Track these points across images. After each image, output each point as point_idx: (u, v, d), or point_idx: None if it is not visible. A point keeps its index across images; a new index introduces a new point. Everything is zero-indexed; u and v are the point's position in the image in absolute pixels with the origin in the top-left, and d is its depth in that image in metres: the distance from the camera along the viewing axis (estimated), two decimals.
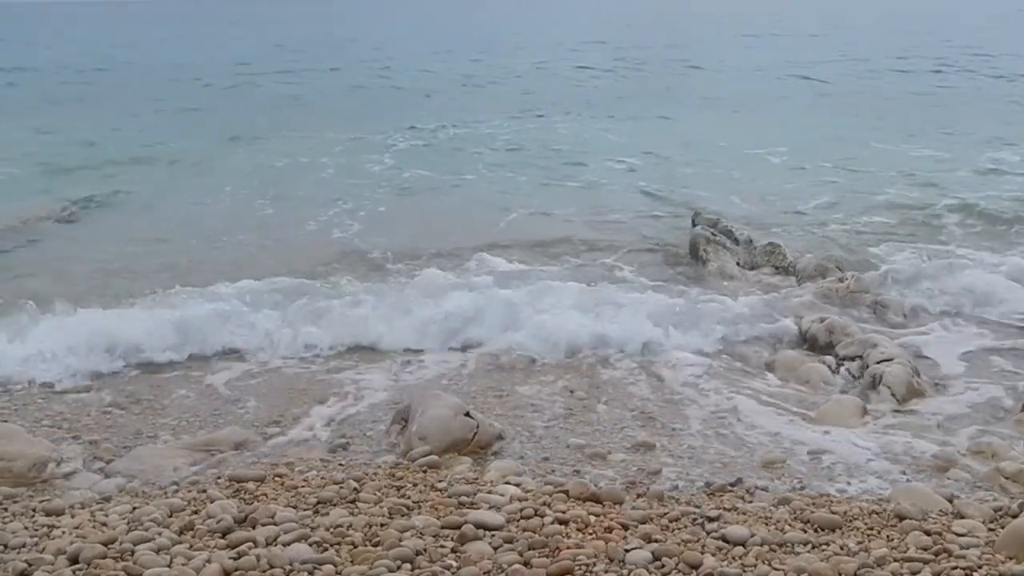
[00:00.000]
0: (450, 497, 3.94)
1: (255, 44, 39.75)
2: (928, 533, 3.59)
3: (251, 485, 4.23)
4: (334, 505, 3.87)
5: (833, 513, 3.82)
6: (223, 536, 3.53)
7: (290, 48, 37.30)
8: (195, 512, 3.80)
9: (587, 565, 3.29)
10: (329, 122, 17.06)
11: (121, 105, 19.87)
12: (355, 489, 4.06)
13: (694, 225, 8.94)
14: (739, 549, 3.45)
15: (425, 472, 4.40)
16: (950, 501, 3.96)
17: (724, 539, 3.53)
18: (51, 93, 22.35)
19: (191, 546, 3.45)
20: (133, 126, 16.99)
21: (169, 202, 11.07)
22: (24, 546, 3.49)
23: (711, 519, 3.72)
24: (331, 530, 3.57)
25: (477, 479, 4.26)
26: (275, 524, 3.61)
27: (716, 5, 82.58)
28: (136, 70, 27.79)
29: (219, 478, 4.34)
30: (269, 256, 8.71)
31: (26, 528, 3.69)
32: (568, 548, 3.40)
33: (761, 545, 3.47)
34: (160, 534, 3.52)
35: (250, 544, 3.43)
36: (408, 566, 3.27)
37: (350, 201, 10.92)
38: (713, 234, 8.55)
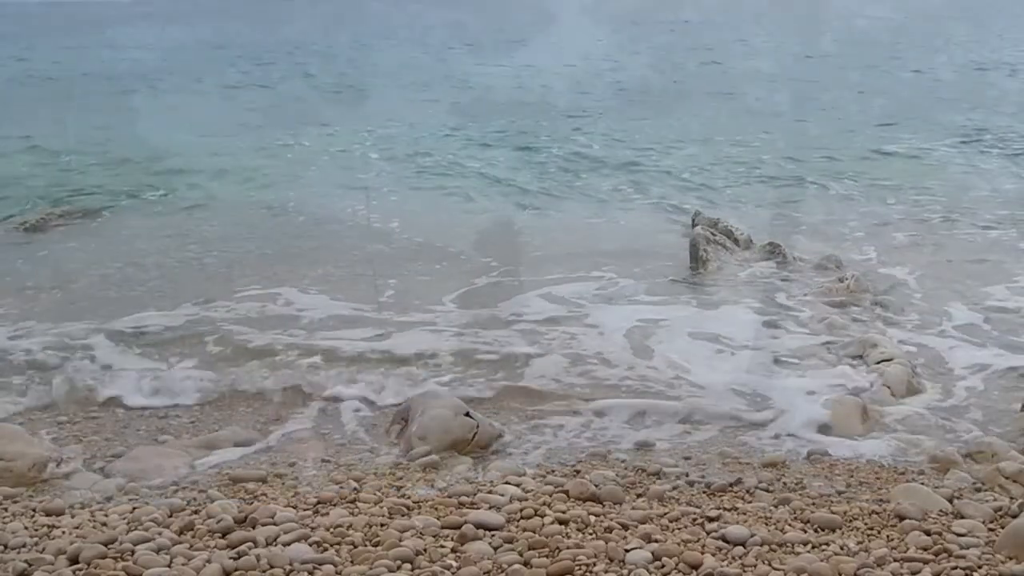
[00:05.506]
0: (450, 497, 3.94)
1: None
2: (928, 533, 3.59)
3: (251, 485, 4.23)
4: (334, 505, 3.87)
5: (833, 513, 3.81)
6: (223, 536, 3.53)
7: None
8: (195, 512, 3.80)
9: (587, 565, 3.29)
10: None
11: None
12: (355, 489, 4.06)
13: (694, 225, 8.93)
14: (739, 549, 3.45)
15: (425, 472, 4.40)
16: (950, 501, 3.96)
17: (724, 539, 3.53)
18: None
19: (191, 546, 3.45)
20: None
21: None
22: (24, 546, 3.49)
23: (711, 519, 3.72)
24: (331, 530, 3.57)
25: (477, 479, 4.26)
26: (275, 524, 3.61)
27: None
28: None
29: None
30: None
31: (26, 528, 3.68)
32: (568, 548, 3.40)
33: (761, 545, 3.47)
34: (160, 534, 3.52)
35: (250, 544, 3.43)
36: (408, 566, 3.27)
37: None
38: (713, 234, 8.54)
